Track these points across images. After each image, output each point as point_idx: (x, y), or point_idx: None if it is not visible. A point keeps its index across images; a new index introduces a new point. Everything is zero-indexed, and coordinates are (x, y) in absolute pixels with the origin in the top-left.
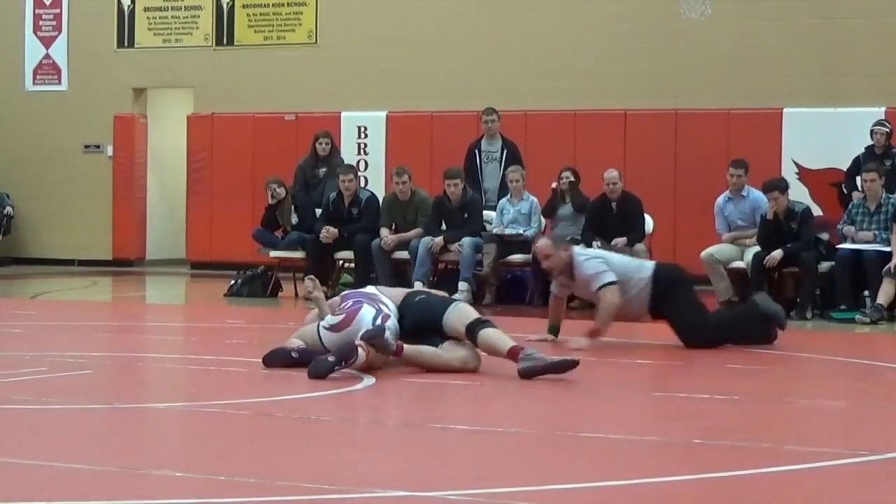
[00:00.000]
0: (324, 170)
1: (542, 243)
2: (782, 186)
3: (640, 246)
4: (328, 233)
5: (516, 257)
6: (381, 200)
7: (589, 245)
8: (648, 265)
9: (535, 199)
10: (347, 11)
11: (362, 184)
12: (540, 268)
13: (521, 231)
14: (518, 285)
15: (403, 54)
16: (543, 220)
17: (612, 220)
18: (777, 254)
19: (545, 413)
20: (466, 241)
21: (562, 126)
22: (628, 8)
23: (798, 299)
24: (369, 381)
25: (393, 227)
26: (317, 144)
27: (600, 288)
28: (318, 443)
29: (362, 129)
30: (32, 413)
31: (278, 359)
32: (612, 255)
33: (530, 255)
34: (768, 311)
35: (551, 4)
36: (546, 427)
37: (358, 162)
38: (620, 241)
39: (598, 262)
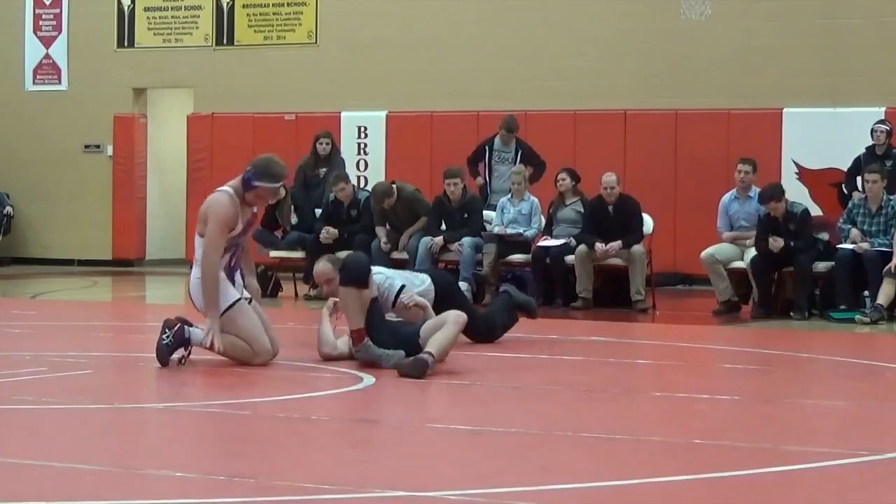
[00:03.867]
0: (324, 170)
1: (322, 266)
2: (777, 195)
3: (637, 248)
4: (328, 233)
5: (516, 257)
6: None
7: (591, 247)
8: (423, 275)
9: (536, 200)
10: (347, 11)
11: (362, 184)
12: (540, 268)
13: (521, 231)
14: (518, 285)
15: (403, 54)
16: (543, 219)
17: (609, 223)
18: (780, 241)
19: (545, 413)
20: (466, 240)
21: (562, 126)
22: (629, 8)
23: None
24: (369, 380)
25: (387, 227)
26: (317, 144)
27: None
28: (318, 443)
29: (362, 129)
30: (32, 413)
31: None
32: (391, 270)
33: (530, 256)
34: (520, 300)
35: (551, 4)
36: (546, 427)
37: (358, 162)
38: (615, 245)
39: (381, 277)
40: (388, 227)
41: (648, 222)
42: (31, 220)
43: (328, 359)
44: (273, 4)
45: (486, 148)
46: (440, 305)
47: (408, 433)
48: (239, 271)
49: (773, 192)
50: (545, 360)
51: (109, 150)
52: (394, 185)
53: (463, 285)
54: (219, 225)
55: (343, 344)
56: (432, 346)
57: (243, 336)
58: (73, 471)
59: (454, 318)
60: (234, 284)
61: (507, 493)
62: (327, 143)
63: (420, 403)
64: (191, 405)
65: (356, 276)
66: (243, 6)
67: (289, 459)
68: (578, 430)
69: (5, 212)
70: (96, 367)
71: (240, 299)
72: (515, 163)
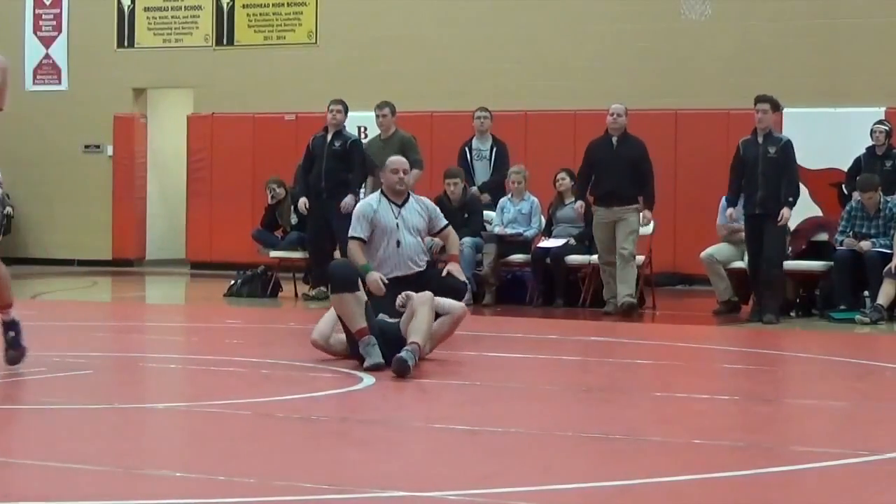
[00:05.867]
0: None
1: (398, 157)
2: (876, 184)
3: (648, 214)
4: (306, 207)
5: (516, 257)
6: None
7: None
8: None
9: (536, 200)
10: (347, 12)
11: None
12: (540, 268)
13: (521, 231)
14: (518, 285)
15: (403, 54)
16: (543, 219)
17: (613, 161)
18: (787, 213)
19: (545, 413)
20: (466, 240)
21: (562, 126)
22: (628, 8)
23: (797, 300)
24: (369, 381)
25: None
26: (328, 112)
27: (448, 225)
28: (318, 443)
29: (362, 129)
30: (33, 413)
31: None
32: None
33: (530, 256)
34: (454, 285)
35: (551, 4)
36: (546, 427)
37: None
38: (645, 214)
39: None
40: None
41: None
42: (31, 220)
43: (316, 347)
44: (273, 5)
45: (466, 149)
46: None
47: (408, 433)
48: None
49: (873, 181)
50: (545, 360)
51: (109, 150)
52: None
53: None
54: None
55: (336, 342)
56: (413, 335)
57: None
58: (74, 471)
59: (419, 301)
60: None
61: (507, 493)
62: (338, 111)
63: (420, 403)
64: (191, 405)
65: (345, 283)
66: (243, 6)
67: (289, 459)
68: (578, 430)
69: (5, 212)
70: (96, 367)
71: None
72: (491, 159)
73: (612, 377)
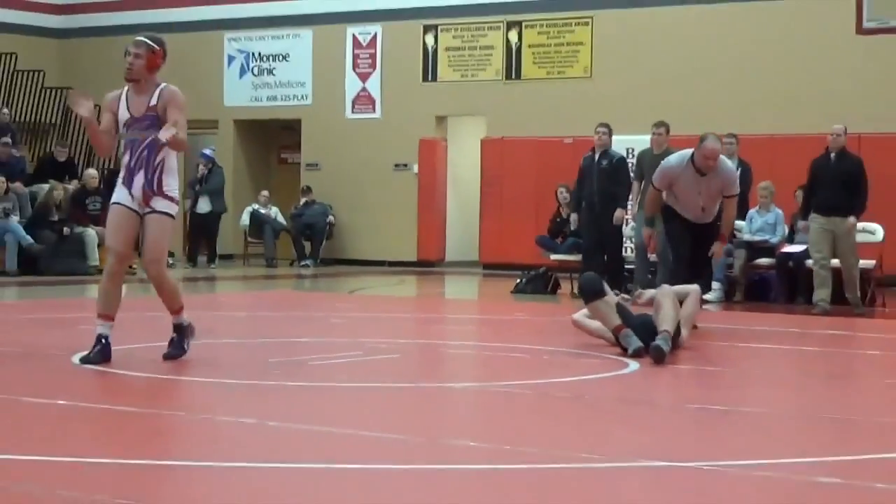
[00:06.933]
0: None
1: (717, 148)
2: None
3: (852, 220)
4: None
5: (763, 261)
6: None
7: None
8: None
9: (780, 211)
10: (618, 50)
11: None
12: (784, 270)
13: (767, 238)
14: (764, 286)
15: (667, 86)
16: (786, 228)
17: (831, 175)
18: None
19: (788, 396)
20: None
21: (801, 147)
22: (870, 41)
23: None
24: (634, 366)
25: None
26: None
27: (735, 196)
28: (590, 419)
29: (630, 151)
30: (348, 390)
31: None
32: None
33: (775, 260)
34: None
35: (789, 42)
36: (789, 408)
37: None
38: (851, 219)
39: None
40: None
41: (878, 230)
42: (349, 227)
43: (575, 325)
44: (555, 45)
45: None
46: None
47: (667, 412)
48: (144, 175)
49: None
50: (787, 350)
51: (415, 169)
52: None
53: (715, 285)
54: (101, 107)
55: (594, 323)
56: (663, 324)
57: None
58: (384, 439)
59: (661, 294)
60: (131, 186)
61: (755, 465)
62: (604, 133)
63: (678, 387)
64: (482, 385)
65: (594, 292)
66: (529, 46)
67: (564, 433)
68: (819, 411)
69: (328, 220)
70: (403, 351)
71: (115, 203)
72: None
73: (849, 366)
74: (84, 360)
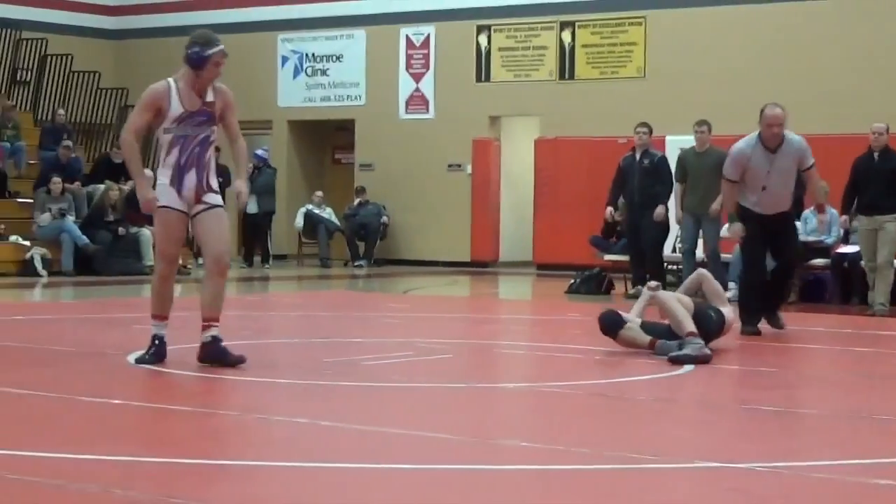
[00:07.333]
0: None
1: (780, 113)
2: None
3: (885, 256)
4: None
5: (818, 261)
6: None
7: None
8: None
9: (836, 212)
10: (671, 51)
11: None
12: (839, 271)
13: (822, 239)
14: (819, 286)
15: (717, 86)
16: (841, 230)
17: (874, 174)
18: None
19: (841, 397)
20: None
21: (852, 147)
22: None
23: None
24: (688, 366)
25: (686, 183)
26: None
27: (812, 164)
28: (641, 419)
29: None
30: (401, 390)
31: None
32: None
33: (830, 260)
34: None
35: (827, 54)
36: (840, 410)
37: None
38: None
39: None
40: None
41: None
42: (403, 227)
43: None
44: (608, 45)
45: None
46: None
47: (719, 413)
48: (196, 173)
49: None
50: (841, 351)
51: (469, 169)
52: None
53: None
54: (139, 104)
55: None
56: (684, 328)
57: (156, 242)
58: (436, 439)
59: (661, 301)
60: (181, 186)
61: (807, 467)
62: (644, 133)
63: (730, 387)
64: (533, 385)
65: (614, 327)
66: (582, 46)
67: (616, 433)
68: (871, 412)
69: (382, 221)
70: (455, 351)
71: (163, 207)
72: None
73: None
74: (139, 361)
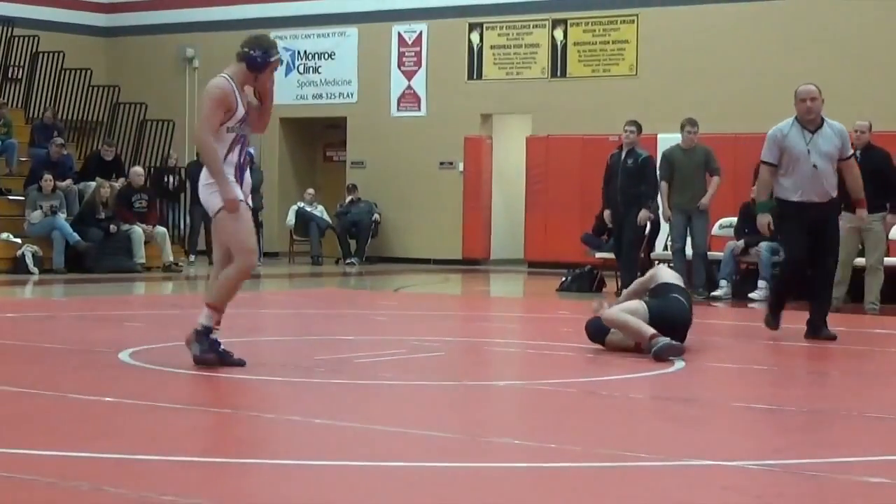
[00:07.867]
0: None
1: (813, 88)
2: None
3: (891, 218)
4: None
5: None
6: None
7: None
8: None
9: None
10: (662, 49)
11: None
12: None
13: None
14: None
15: (708, 84)
16: None
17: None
18: None
19: (834, 395)
20: (764, 245)
21: None
22: None
23: None
24: (679, 364)
25: (673, 181)
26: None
27: (850, 155)
28: (635, 417)
29: None
30: (393, 388)
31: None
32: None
33: None
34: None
35: (818, 47)
36: (833, 407)
37: None
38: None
39: None
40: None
41: None
42: (394, 225)
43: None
44: (600, 42)
45: None
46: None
47: (713, 410)
48: (250, 171)
49: None
50: (833, 348)
51: (460, 167)
52: None
53: (762, 283)
54: (213, 102)
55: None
56: (644, 332)
57: (234, 239)
58: (428, 437)
59: (609, 317)
60: (241, 185)
61: (799, 465)
62: (631, 131)
63: (723, 385)
64: (526, 383)
65: (595, 337)
66: (574, 44)
67: (609, 431)
68: (862, 410)
69: (373, 218)
70: (448, 349)
71: (242, 201)
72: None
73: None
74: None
